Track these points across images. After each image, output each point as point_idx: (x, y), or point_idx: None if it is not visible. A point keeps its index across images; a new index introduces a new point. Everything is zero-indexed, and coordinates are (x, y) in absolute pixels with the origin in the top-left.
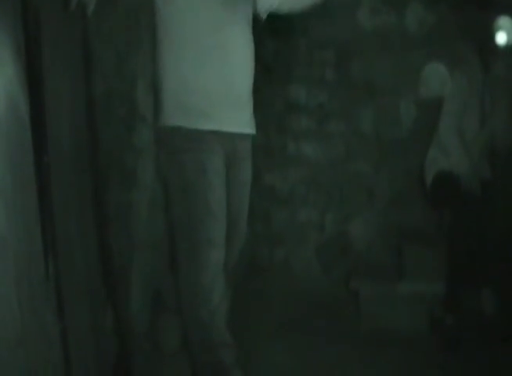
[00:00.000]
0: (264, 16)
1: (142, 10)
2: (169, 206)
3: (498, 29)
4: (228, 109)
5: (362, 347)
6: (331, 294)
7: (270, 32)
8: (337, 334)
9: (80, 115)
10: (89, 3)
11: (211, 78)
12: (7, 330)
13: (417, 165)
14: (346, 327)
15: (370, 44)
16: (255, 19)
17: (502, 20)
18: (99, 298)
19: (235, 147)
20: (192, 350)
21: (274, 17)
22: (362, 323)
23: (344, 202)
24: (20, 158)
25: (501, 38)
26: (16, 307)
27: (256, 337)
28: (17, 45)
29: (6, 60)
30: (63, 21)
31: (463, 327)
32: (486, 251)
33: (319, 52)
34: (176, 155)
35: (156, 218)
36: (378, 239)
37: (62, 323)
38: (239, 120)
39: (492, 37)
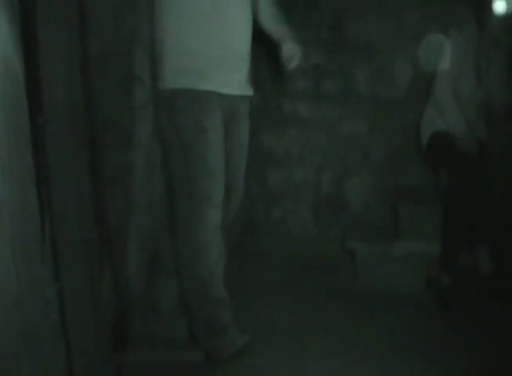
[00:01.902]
0: None
1: None
2: (167, 166)
3: None
4: (227, 71)
5: (357, 307)
6: (327, 254)
7: None
8: (332, 294)
9: (75, 76)
10: None
11: (210, 41)
12: (3, 291)
13: (413, 125)
14: (342, 286)
15: (367, 4)
16: None
17: None
18: (95, 259)
19: (233, 108)
20: (189, 309)
21: None
22: (357, 282)
23: (340, 162)
24: (15, 119)
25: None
26: (11, 269)
27: (252, 296)
28: (11, 5)
29: (0, 20)
30: None
31: (458, 286)
32: (482, 210)
33: (315, 13)
34: (176, 116)
35: (153, 180)
36: (374, 199)
37: (58, 285)
38: (238, 82)
39: None
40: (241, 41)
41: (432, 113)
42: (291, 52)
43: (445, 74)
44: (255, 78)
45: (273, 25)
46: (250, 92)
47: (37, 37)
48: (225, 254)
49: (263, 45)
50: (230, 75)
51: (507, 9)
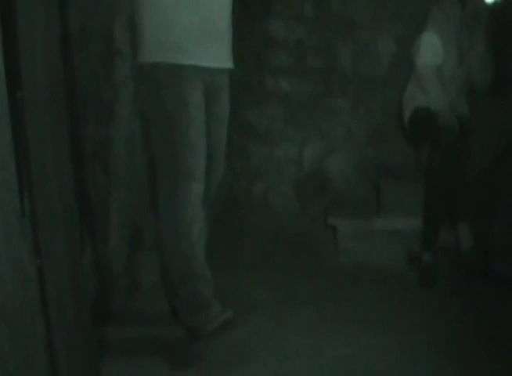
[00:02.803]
0: None
1: None
2: (149, 141)
3: None
4: (207, 44)
5: (339, 282)
6: (309, 230)
7: None
8: (314, 269)
9: (55, 51)
10: None
11: (190, 15)
12: None
13: (396, 101)
14: (323, 262)
15: None
16: None
17: None
18: (76, 234)
19: (214, 81)
20: (171, 284)
21: None
22: (339, 258)
23: (322, 138)
24: None
25: None
26: None
27: (234, 271)
28: None
29: None
30: None
31: (439, 263)
32: (463, 187)
33: None
34: (157, 90)
35: (134, 155)
36: (356, 175)
37: (38, 261)
38: (218, 55)
39: None
40: (221, 14)
41: (414, 90)
42: None
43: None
44: (237, 53)
45: None
46: (230, 64)
47: (16, 12)
48: (207, 229)
49: (244, 18)
50: (210, 49)
51: None
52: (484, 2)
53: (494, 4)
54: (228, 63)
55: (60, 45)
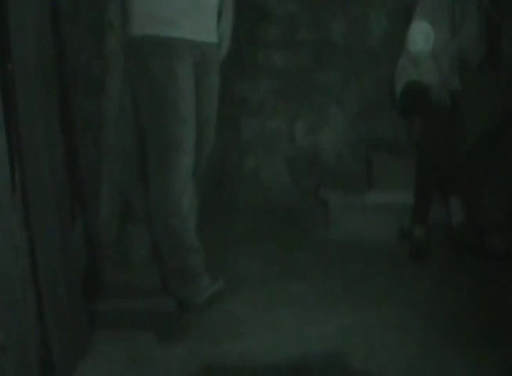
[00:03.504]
0: None
1: None
2: (138, 114)
3: None
4: (196, 17)
5: (329, 256)
6: (300, 204)
7: None
8: (305, 244)
9: (46, 23)
10: None
11: None
12: None
13: (387, 75)
14: (314, 236)
15: None
16: None
17: None
18: (67, 207)
19: (203, 55)
20: (161, 257)
21: None
22: (330, 232)
23: (313, 112)
24: None
25: None
26: None
27: (225, 244)
28: None
29: None
30: None
31: (431, 237)
32: (455, 161)
33: None
34: (146, 63)
35: (124, 127)
36: (347, 149)
37: (29, 233)
38: (207, 28)
39: None
40: None
41: (406, 64)
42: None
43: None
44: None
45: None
46: (217, 38)
47: None
48: (197, 202)
49: None
50: (199, 22)
51: None
52: None
53: None
54: (214, 37)
55: (50, 17)
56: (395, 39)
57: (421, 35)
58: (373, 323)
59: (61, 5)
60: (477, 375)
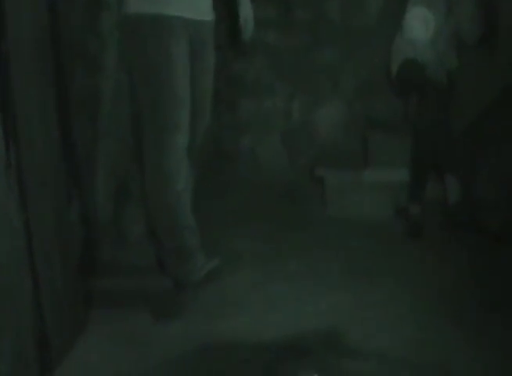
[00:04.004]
0: None
1: None
2: (134, 93)
3: None
4: None
5: (326, 233)
6: (296, 183)
7: None
8: (302, 222)
9: (41, 1)
10: None
11: None
12: None
13: (384, 53)
14: (311, 214)
15: None
16: None
17: None
18: (63, 187)
19: (198, 33)
20: (157, 236)
21: None
22: (326, 210)
23: (310, 90)
24: None
25: None
26: None
27: (221, 223)
28: None
29: None
30: None
31: (426, 216)
32: (451, 139)
33: None
34: (141, 41)
35: (120, 106)
36: (344, 127)
37: (25, 213)
38: (202, 6)
39: None
40: None
41: (402, 42)
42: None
43: (416, 2)
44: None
45: None
46: (212, 17)
47: None
48: (193, 181)
49: None
50: (194, 0)
51: None
52: None
53: None
54: (209, 16)
55: None
56: (391, 17)
57: (419, 23)
58: (369, 299)
59: None
60: (474, 350)
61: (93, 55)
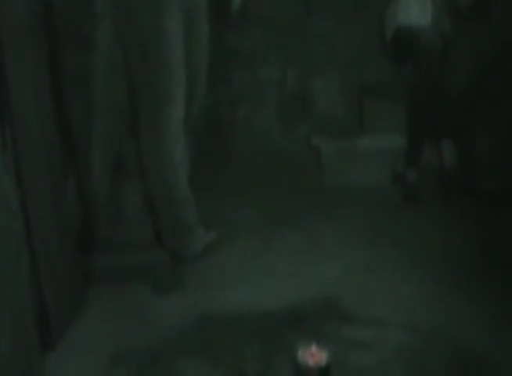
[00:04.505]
0: None
1: None
2: (128, 68)
3: None
4: None
5: (323, 202)
6: (293, 153)
7: None
8: (298, 191)
9: None
10: None
11: None
12: None
13: (378, 20)
14: (307, 183)
15: None
16: None
17: None
18: (59, 165)
19: (192, 6)
20: (154, 210)
21: None
22: (323, 179)
23: (304, 59)
24: None
25: None
26: None
27: (218, 195)
28: None
29: None
30: None
31: (423, 181)
32: (446, 104)
33: None
34: (134, 17)
35: (115, 82)
36: (339, 96)
37: (21, 192)
38: None
39: None
40: None
41: (396, 7)
42: None
43: None
44: None
45: None
46: None
47: None
48: (189, 154)
49: None
50: None
51: None
52: None
53: None
54: None
55: None
56: None
57: (417, 8)
58: (367, 266)
59: None
60: (470, 314)
61: (86, 31)
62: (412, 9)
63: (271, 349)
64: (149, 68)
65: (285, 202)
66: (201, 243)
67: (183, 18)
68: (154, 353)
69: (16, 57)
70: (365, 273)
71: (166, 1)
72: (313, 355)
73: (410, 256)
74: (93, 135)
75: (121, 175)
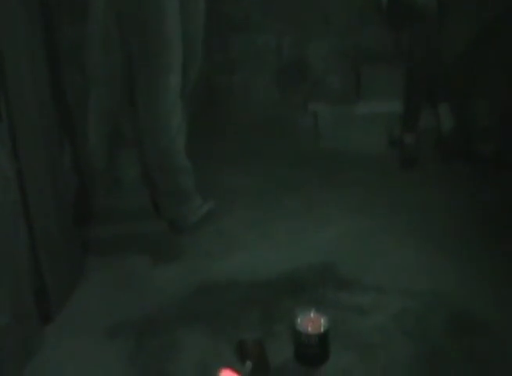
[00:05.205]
0: None
1: None
2: (124, 38)
3: None
4: None
5: (321, 168)
6: (290, 119)
7: None
8: (296, 157)
9: None
10: None
11: None
12: None
13: None
14: (305, 149)
15: None
16: None
17: None
18: (54, 135)
19: None
20: (152, 179)
21: None
22: (320, 144)
23: (301, 25)
24: None
25: None
26: None
27: (216, 163)
28: None
29: None
30: None
31: (421, 145)
32: (443, 69)
33: None
34: None
35: (111, 52)
36: (336, 61)
37: (17, 163)
38: None
39: None
40: None
41: None
42: None
43: None
44: None
45: None
46: None
47: None
48: (187, 122)
49: None
50: None
51: None
52: None
53: None
54: None
55: None
56: None
57: None
58: (365, 232)
59: None
60: (469, 278)
61: (81, 2)
62: None
63: (270, 317)
64: (145, 37)
65: (283, 168)
66: (199, 212)
67: None
68: (153, 323)
69: (10, 30)
70: (363, 239)
71: None
72: (312, 321)
73: (408, 221)
74: (89, 105)
75: (119, 146)
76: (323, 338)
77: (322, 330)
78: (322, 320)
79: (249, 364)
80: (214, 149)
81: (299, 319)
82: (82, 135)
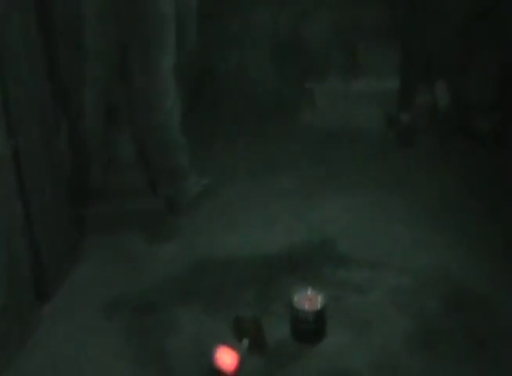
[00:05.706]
0: None
1: None
2: (118, 16)
3: None
4: None
5: (317, 146)
6: (287, 96)
7: None
8: (292, 135)
9: None
10: None
11: None
12: None
13: None
14: (301, 127)
15: None
16: None
17: None
18: (50, 113)
19: None
20: (147, 157)
21: None
22: (317, 122)
23: (296, 3)
24: None
25: None
26: None
27: (211, 140)
28: None
29: None
30: None
31: (417, 124)
32: (439, 45)
33: None
34: None
35: (106, 29)
36: (332, 38)
37: (13, 141)
38: None
39: None
40: None
41: None
42: None
43: None
44: None
45: None
46: None
47: None
48: (181, 99)
49: None
50: None
51: None
52: None
53: None
54: None
55: None
56: None
57: None
58: (363, 209)
59: None
60: (467, 255)
61: None
62: None
63: (267, 294)
64: (139, 15)
65: (279, 145)
66: (195, 189)
67: None
68: (150, 300)
69: (3, 3)
70: (361, 216)
71: None
72: (309, 299)
73: (405, 198)
74: (84, 83)
75: (114, 122)
76: (320, 315)
77: (318, 307)
78: (318, 297)
79: (246, 342)
80: (210, 125)
81: (296, 297)
82: (78, 113)
